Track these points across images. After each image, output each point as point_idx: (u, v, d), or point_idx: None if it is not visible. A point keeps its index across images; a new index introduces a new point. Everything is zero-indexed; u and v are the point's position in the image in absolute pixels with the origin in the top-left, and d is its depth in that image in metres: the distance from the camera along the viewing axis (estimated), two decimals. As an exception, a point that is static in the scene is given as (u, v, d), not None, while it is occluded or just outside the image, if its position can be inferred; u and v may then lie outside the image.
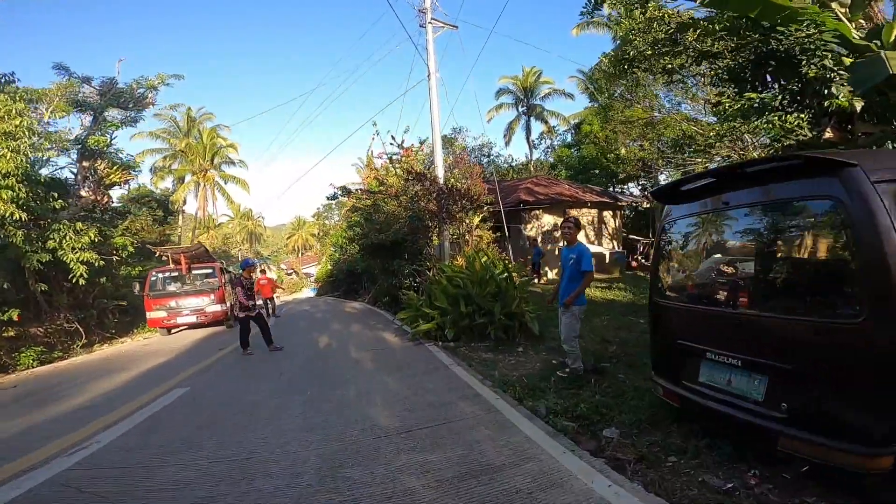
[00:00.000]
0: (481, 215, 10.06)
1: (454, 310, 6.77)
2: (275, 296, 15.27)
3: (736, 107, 6.81)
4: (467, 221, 9.29)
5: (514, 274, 7.26)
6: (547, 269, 16.18)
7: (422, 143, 11.87)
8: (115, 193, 15.08)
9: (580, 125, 28.15)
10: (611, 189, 22.44)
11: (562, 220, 4.96)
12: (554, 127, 32.63)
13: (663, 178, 18.38)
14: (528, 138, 33.62)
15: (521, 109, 33.27)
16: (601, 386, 4.44)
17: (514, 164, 31.23)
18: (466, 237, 9.43)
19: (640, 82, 11.31)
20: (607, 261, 17.19)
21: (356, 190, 11.35)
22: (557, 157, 29.82)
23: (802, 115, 6.48)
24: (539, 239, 16.21)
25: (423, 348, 6.79)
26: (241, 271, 8.09)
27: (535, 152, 33.30)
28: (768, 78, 7.69)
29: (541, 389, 4.49)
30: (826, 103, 6.30)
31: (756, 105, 6.80)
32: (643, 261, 18.75)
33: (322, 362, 6.62)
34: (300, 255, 59.61)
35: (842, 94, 6.17)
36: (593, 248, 17.09)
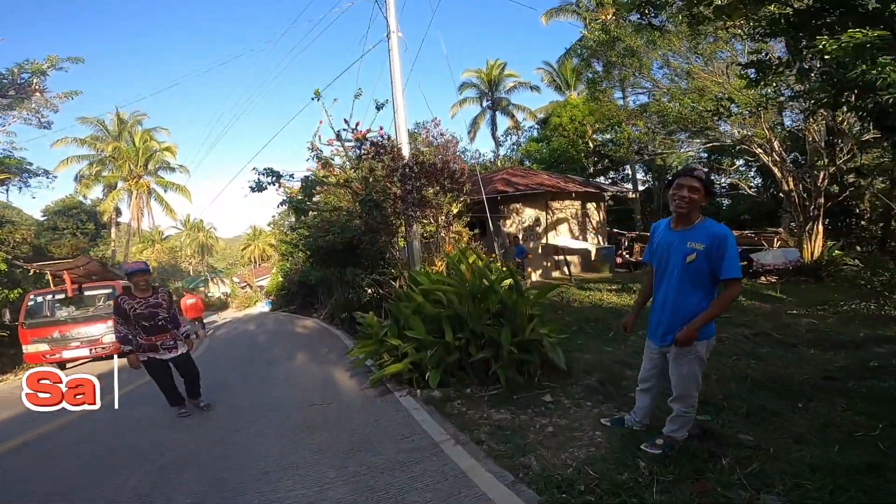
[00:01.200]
0: (460, 205, 7.69)
1: (437, 341, 4.47)
2: (202, 316, 13.37)
3: (834, 46, 4.79)
4: (444, 212, 6.87)
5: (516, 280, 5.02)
6: (530, 269, 14.18)
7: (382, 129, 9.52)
8: (38, 205, 12.05)
9: (547, 119, 26.87)
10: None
11: (676, 176, 2.63)
12: (521, 122, 31.21)
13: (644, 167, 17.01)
14: (493, 134, 32.01)
15: (486, 104, 31.79)
16: (728, 463, 2.49)
17: (481, 159, 29.32)
18: (443, 234, 7.06)
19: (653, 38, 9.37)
20: (594, 258, 15.45)
21: (286, 177, 8.57)
22: (525, 152, 28.21)
23: None
24: (520, 236, 14.20)
25: (392, 403, 4.42)
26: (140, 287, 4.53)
27: (501, 149, 31.73)
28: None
29: (633, 491, 2.33)
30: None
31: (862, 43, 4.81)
32: (629, 257, 17.21)
33: (231, 439, 4.10)
34: (256, 266, 56.16)
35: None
36: (578, 244, 15.25)
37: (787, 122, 12.95)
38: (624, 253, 17.33)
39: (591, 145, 23.88)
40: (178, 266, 51.87)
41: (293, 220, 13.36)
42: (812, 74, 6.00)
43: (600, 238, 16.86)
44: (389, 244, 7.19)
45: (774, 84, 7.13)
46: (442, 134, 7.23)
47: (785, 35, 6.01)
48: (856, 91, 6.19)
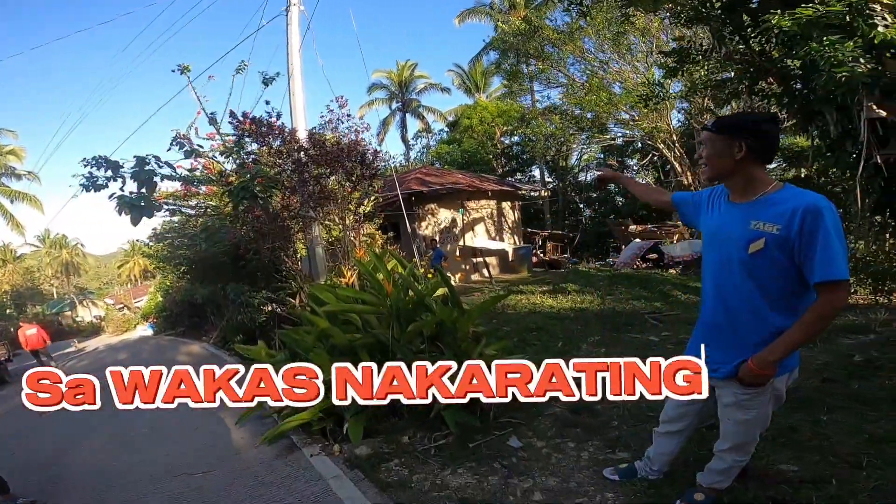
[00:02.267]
0: (372, 202, 6.46)
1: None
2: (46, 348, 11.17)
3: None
4: (353, 210, 5.55)
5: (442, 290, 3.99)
6: (449, 273, 13.37)
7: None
8: None
9: (457, 121, 26.71)
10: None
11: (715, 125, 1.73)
12: (431, 124, 30.72)
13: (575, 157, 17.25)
14: (403, 136, 31.17)
15: (395, 105, 30.91)
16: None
17: (392, 162, 28.17)
18: (352, 237, 5.81)
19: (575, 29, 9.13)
20: (511, 258, 15.09)
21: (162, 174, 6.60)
22: (436, 154, 27.70)
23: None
24: (437, 238, 13.35)
25: (301, 467, 3.12)
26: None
27: (411, 151, 30.99)
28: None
29: None
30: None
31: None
32: (543, 256, 17.22)
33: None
34: (137, 284, 49.70)
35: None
36: (496, 245, 14.81)
37: (681, 116, 13.62)
38: (538, 252, 17.30)
39: (499, 147, 23.98)
40: (37, 289, 44.47)
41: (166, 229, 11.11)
42: (736, 57, 5.88)
43: (516, 238, 16.61)
44: (284, 252, 5.75)
45: (692, 73, 7.06)
46: (349, 115, 5.99)
47: (710, 21, 5.82)
48: (778, 76, 6.18)
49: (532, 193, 19.12)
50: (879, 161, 5.31)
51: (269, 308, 7.39)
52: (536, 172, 24.58)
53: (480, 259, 13.90)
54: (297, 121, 6.17)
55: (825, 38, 4.33)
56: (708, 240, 1.86)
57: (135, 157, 4.41)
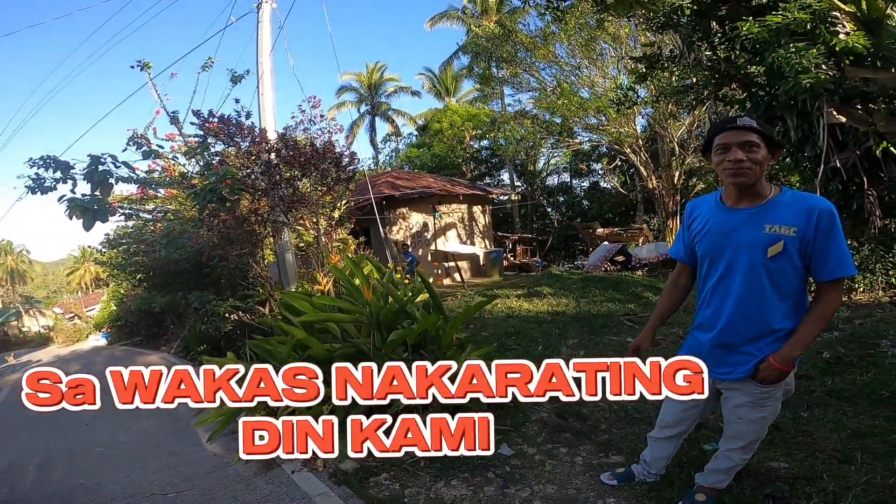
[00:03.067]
0: (344, 207, 6.23)
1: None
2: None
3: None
4: (326, 214, 5.29)
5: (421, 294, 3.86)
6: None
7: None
8: None
9: (426, 125, 26.68)
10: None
11: (715, 134, 1.73)
12: (400, 127, 30.53)
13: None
14: (372, 139, 30.85)
15: (365, 108, 30.54)
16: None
17: (360, 165, 27.76)
18: (325, 241, 5.57)
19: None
20: (482, 262, 15.11)
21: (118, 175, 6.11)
22: (406, 158, 27.54)
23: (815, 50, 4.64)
24: (409, 242, 13.20)
25: (283, 483, 2.90)
26: None
27: (380, 155, 30.71)
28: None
29: None
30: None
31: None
32: (514, 259, 17.33)
33: None
34: (88, 293, 47.13)
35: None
36: (467, 249, 14.79)
37: (644, 122, 14.00)
38: (509, 255, 17.38)
39: (468, 151, 24.07)
40: (-26, 297, 41.80)
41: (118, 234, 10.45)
42: (704, 63, 6.05)
43: (487, 242, 16.65)
44: (252, 258, 5.45)
45: (659, 79, 7.23)
46: (322, 116, 5.75)
47: (680, 28, 5.96)
48: (742, 83, 6.39)
49: (502, 197, 19.25)
50: (838, 164, 5.54)
51: (235, 317, 7.04)
52: (505, 176, 24.82)
53: (452, 263, 13.83)
54: (266, 121, 5.92)
55: (791, 45, 4.48)
56: (712, 249, 1.83)
57: (89, 155, 4.07)
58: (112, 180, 4.12)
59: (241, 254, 5.32)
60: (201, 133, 4.95)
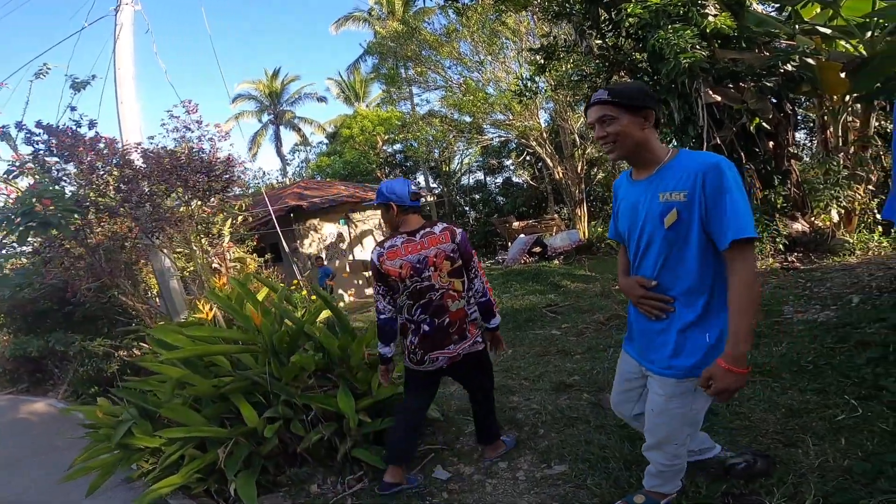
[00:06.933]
0: (229, 222, 5.51)
1: (230, 432, 2.61)
2: None
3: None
4: (202, 232, 4.53)
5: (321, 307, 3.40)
6: (341, 291, 12.60)
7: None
8: None
9: (336, 133, 25.80)
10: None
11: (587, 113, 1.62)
12: (309, 136, 29.22)
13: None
14: (279, 150, 29.19)
15: (267, 117, 28.77)
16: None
17: (267, 179, 26.04)
18: (217, 264, 4.87)
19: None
20: (405, 267, 14.76)
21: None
22: (316, 167, 26.41)
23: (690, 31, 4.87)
24: (324, 255, 12.50)
25: None
26: None
27: (289, 167, 29.16)
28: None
29: None
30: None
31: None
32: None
33: None
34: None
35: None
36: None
37: (547, 116, 14.53)
38: (431, 257, 17.18)
39: (381, 156, 23.59)
40: None
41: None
42: (595, 51, 6.25)
43: (407, 246, 16.31)
44: (118, 290, 4.60)
45: (557, 70, 7.43)
46: (199, 122, 4.99)
47: (572, 17, 6.11)
48: (629, 69, 6.68)
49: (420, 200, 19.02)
50: (718, 142, 5.93)
51: (120, 355, 6.10)
52: (421, 179, 24.65)
53: (373, 272, 13.34)
54: (128, 132, 5.10)
55: (670, 27, 4.71)
56: (627, 225, 1.68)
57: None
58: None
59: (112, 285, 4.44)
60: (35, 147, 4.04)
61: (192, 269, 4.68)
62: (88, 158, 3.90)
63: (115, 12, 6.10)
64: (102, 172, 4.03)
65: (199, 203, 4.27)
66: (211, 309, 3.29)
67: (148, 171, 3.94)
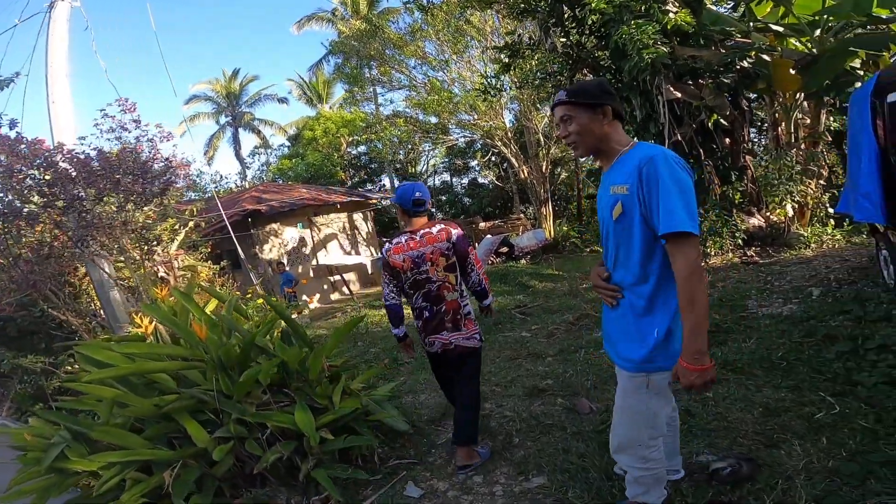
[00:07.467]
0: (185, 232, 5.12)
1: (175, 454, 2.34)
2: None
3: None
4: (138, 238, 4.12)
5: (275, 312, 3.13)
6: (305, 297, 12.15)
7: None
8: None
9: (298, 135, 25.11)
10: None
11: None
12: (269, 138, 28.31)
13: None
14: (237, 153, 28.16)
15: (225, 119, 27.67)
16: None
17: (225, 184, 24.99)
18: (163, 273, 4.49)
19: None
20: (370, 271, 14.42)
21: None
22: (277, 171, 25.62)
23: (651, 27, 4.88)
24: (285, 261, 12.04)
25: None
26: None
27: (249, 171, 28.15)
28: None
29: None
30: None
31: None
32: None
33: None
34: None
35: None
36: (353, 260, 14.01)
37: (512, 116, 14.57)
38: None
39: (346, 158, 23.12)
40: None
41: None
42: (560, 49, 6.21)
43: (373, 249, 15.97)
44: (47, 303, 4.14)
45: (522, 68, 7.37)
46: (137, 122, 4.59)
47: (538, 14, 6.04)
48: (592, 67, 6.69)
49: (384, 202, 18.72)
50: (679, 138, 5.98)
51: (57, 376, 5.60)
52: (386, 181, 24.30)
53: (338, 276, 12.94)
54: (60, 133, 4.66)
55: (633, 22, 4.70)
56: (599, 218, 1.70)
57: None
58: None
59: (29, 300, 3.99)
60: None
61: (131, 281, 4.27)
62: (7, 161, 3.47)
63: (50, 9, 5.66)
64: (23, 176, 3.60)
65: (133, 208, 3.89)
66: (151, 322, 2.98)
67: (74, 174, 3.55)
